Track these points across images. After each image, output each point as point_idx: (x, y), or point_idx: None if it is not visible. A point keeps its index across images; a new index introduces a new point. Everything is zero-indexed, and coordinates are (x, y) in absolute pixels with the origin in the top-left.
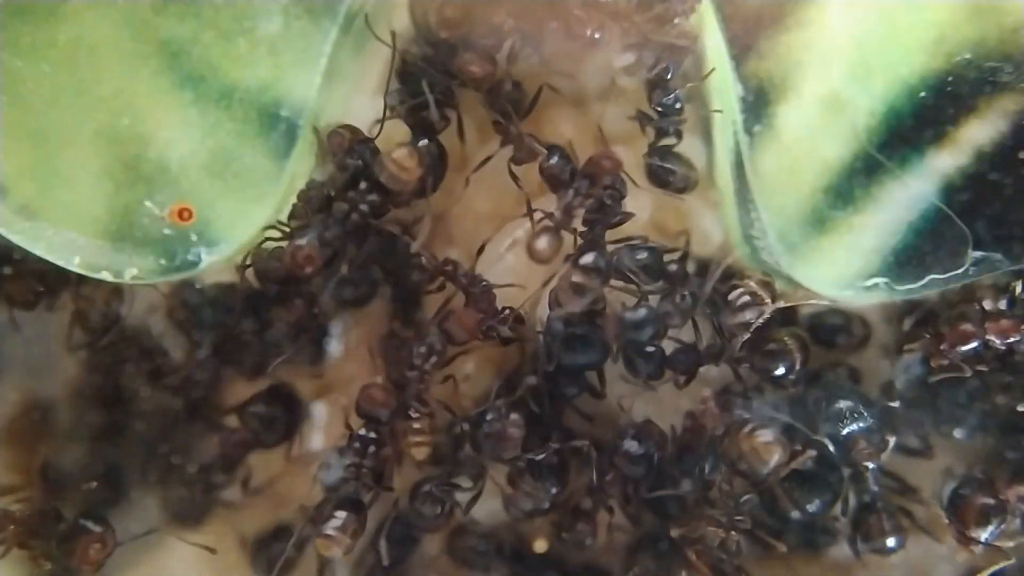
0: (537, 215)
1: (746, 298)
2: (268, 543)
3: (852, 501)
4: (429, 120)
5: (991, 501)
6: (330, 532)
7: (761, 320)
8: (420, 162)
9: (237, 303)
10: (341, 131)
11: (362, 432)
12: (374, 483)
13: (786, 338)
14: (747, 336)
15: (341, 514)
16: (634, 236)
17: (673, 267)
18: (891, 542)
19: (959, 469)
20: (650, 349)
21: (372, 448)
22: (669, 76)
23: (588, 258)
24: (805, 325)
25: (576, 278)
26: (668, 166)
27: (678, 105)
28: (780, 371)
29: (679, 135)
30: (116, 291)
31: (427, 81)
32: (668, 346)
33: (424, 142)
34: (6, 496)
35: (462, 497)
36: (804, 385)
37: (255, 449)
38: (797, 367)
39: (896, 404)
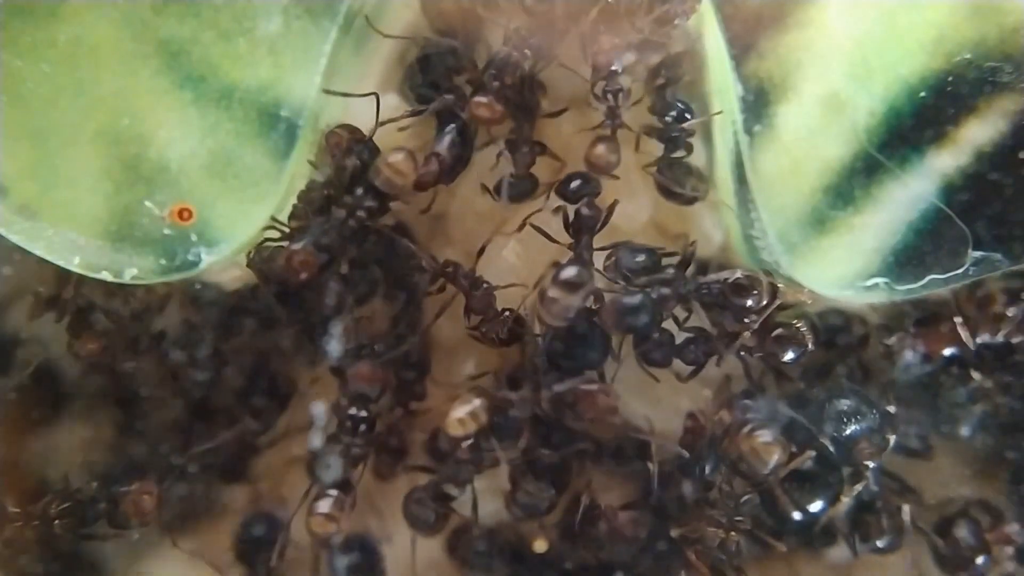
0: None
1: (740, 277)
2: None
3: (851, 501)
4: (451, 107)
5: (975, 544)
6: (324, 511)
7: (765, 303)
8: (416, 167)
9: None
10: (339, 131)
11: (352, 412)
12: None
13: (794, 320)
14: (756, 323)
15: (332, 492)
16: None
17: (671, 271)
18: (889, 542)
19: (956, 492)
20: (660, 336)
21: (363, 427)
22: (673, 86)
23: (569, 272)
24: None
25: (554, 293)
26: (679, 180)
27: (687, 116)
28: (791, 355)
29: (689, 148)
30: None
31: (446, 67)
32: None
33: (451, 128)
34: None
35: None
36: (809, 382)
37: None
38: (808, 348)
39: (893, 407)
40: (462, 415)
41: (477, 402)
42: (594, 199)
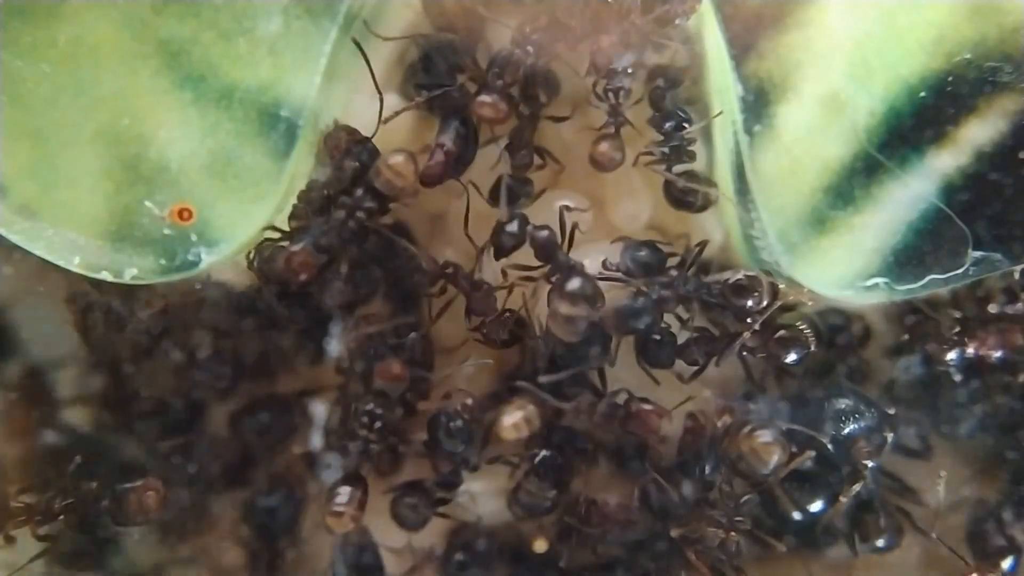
0: None
1: (741, 278)
2: None
3: (851, 500)
4: (455, 101)
5: (1003, 542)
6: (338, 508)
7: (765, 304)
8: (416, 170)
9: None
10: (338, 132)
11: (370, 407)
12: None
13: (799, 323)
14: (758, 324)
15: (346, 489)
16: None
17: (672, 272)
18: (888, 541)
19: (977, 495)
20: (662, 337)
21: (379, 424)
22: (673, 91)
23: (574, 284)
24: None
25: (564, 309)
26: (688, 189)
27: (685, 125)
28: (794, 357)
29: (692, 156)
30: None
31: (449, 63)
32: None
33: (455, 122)
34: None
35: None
36: (809, 381)
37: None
38: (811, 350)
39: (893, 410)
40: (517, 420)
41: (530, 408)
42: (529, 221)
